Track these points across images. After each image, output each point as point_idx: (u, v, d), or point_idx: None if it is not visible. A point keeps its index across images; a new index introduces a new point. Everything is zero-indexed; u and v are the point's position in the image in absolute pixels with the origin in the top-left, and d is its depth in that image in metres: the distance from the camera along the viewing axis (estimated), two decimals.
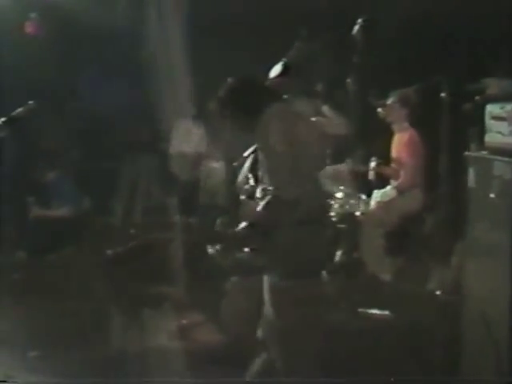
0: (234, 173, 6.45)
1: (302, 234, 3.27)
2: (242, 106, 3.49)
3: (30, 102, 4.30)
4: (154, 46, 6.65)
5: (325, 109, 5.38)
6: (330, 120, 5.35)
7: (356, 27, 5.37)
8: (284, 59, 5.19)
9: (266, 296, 3.39)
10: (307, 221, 3.28)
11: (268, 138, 3.31)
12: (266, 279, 3.39)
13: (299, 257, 3.26)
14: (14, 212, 5.82)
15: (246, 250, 3.45)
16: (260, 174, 3.47)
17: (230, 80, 3.58)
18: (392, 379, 3.47)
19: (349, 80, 5.40)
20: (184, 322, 4.76)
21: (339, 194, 5.27)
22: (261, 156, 3.44)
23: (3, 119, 4.13)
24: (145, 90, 6.64)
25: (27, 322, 4.90)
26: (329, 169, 5.27)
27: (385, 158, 5.35)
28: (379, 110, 5.34)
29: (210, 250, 4.87)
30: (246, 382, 3.48)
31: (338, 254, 5.10)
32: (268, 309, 3.39)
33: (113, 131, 7.11)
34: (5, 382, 3.27)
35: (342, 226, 5.17)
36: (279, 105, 3.49)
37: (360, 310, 4.76)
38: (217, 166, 6.98)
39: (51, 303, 5.01)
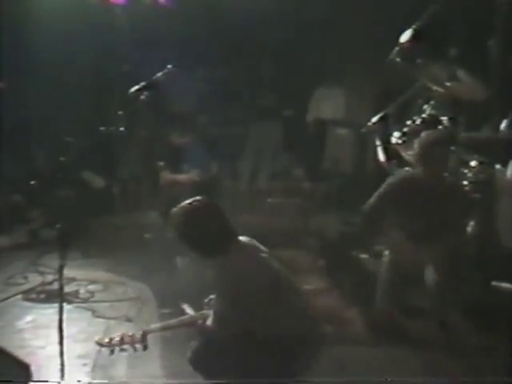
0: (361, 139, 6.45)
1: None
2: None
3: (169, 67, 4.40)
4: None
5: (460, 73, 5.17)
6: (465, 85, 5.15)
7: None
8: (416, 23, 5.03)
9: None
10: None
11: None
12: None
13: None
14: (147, 174, 6.01)
15: None
16: None
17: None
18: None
19: (491, 42, 5.13)
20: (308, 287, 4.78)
21: (473, 163, 5.06)
22: None
23: (144, 83, 4.28)
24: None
25: (160, 281, 5.12)
26: (463, 136, 5.09)
27: None
28: None
29: None
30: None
31: (472, 224, 4.93)
32: None
33: (240, 97, 7.21)
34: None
35: (476, 195, 4.98)
36: None
37: (493, 283, 4.61)
38: (344, 132, 6.91)
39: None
